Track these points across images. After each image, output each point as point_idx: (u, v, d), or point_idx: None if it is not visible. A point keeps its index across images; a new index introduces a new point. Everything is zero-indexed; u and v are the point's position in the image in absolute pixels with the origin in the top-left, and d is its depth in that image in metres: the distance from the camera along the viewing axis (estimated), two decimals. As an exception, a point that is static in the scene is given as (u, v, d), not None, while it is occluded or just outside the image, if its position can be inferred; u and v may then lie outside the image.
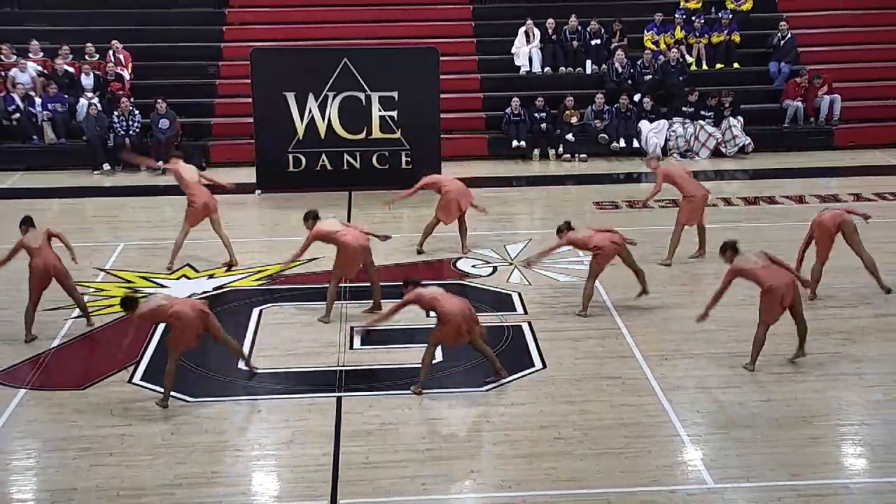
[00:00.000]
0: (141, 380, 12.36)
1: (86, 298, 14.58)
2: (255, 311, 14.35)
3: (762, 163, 23.09)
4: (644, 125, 23.78)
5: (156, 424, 11.27)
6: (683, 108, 23.87)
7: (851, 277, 15.38)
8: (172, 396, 11.79)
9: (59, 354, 13.16)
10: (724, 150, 23.66)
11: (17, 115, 23.34)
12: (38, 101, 23.66)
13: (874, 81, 25.67)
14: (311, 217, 14.18)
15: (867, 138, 24.32)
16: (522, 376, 12.36)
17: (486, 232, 17.96)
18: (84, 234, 17.64)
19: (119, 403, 11.76)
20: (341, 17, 26.78)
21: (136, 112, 23.11)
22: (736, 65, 25.93)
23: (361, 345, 13.27)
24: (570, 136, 23.57)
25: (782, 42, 25.65)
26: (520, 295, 14.95)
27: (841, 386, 12.07)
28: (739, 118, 23.87)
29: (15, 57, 24.45)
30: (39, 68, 24.51)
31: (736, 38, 25.95)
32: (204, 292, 15.16)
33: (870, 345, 13.19)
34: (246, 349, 13.03)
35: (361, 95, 20.83)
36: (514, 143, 23.57)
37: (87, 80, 24.06)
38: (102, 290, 15.35)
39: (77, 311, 14.22)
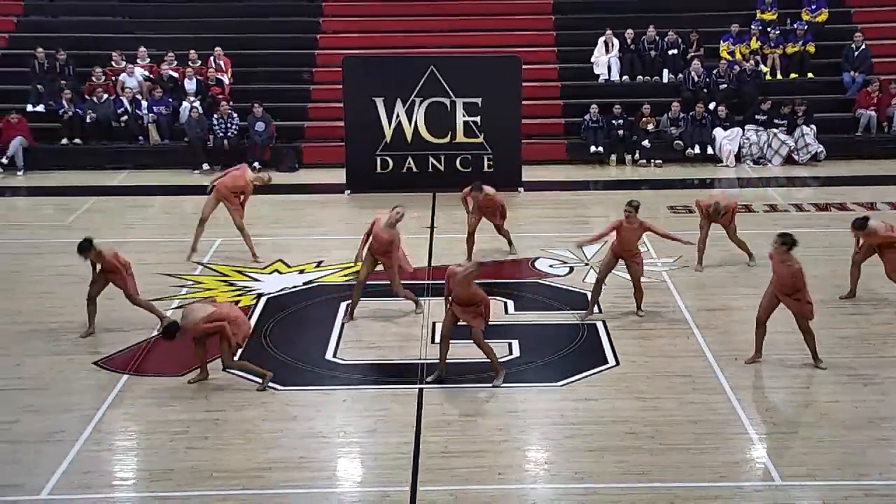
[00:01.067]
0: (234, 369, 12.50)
1: (184, 291, 14.84)
2: (342, 306, 14.44)
3: (834, 170, 22.67)
4: (718, 132, 23.50)
5: (248, 411, 11.40)
6: (757, 117, 23.54)
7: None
8: (267, 386, 11.94)
9: (159, 343, 13.36)
10: (796, 157, 23.28)
11: (125, 117, 23.79)
12: (144, 104, 24.09)
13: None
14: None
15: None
16: (596, 373, 12.29)
17: (563, 233, 17.87)
18: (184, 229, 17.90)
19: (214, 390, 11.92)
20: (428, 26, 26.85)
21: (235, 115, 23.39)
22: (810, 74, 25.49)
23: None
24: (646, 143, 23.39)
25: (856, 52, 25.17)
26: (595, 294, 14.85)
27: (908, 389, 11.82)
28: (812, 126, 23.46)
29: (124, 63, 24.91)
30: (146, 73, 24.94)
31: (811, 48, 25.52)
32: (294, 286, 15.32)
33: (938, 349, 12.89)
34: (333, 341, 13.13)
35: (447, 101, 20.87)
36: (592, 148, 23.43)
37: (189, 85, 24.43)
38: (200, 282, 15.58)
39: (177, 302, 14.47)
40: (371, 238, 13.98)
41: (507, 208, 16.59)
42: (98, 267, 13.57)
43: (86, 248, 13.37)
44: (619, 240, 13.98)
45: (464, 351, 12.68)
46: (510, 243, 16.52)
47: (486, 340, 12.91)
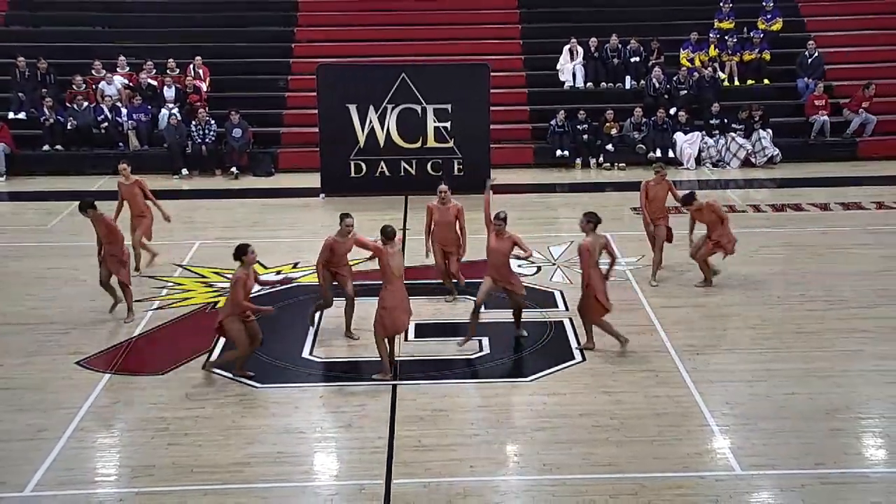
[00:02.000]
0: (214, 367, 12.43)
1: (164, 292, 14.79)
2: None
3: (789, 172, 22.81)
4: (679, 136, 23.62)
5: (227, 408, 11.34)
6: (712, 122, 23.65)
7: (872, 280, 15.19)
8: (242, 383, 11.91)
9: (140, 343, 13.29)
10: (753, 160, 23.42)
11: (105, 124, 23.65)
12: (124, 111, 23.94)
13: (896, 97, 25.31)
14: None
15: (890, 151, 23.91)
16: (563, 368, 12.30)
17: (531, 235, 17.87)
18: (163, 232, 17.78)
19: (194, 388, 11.85)
20: (399, 35, 26.83)
21: (212, 122, 23.30)
22: (766, 81, 25.67)
23: (416, 337, 13.27)
24: (610, 147, 23.46)
25: (810, 59, 25.36)
26: (562, 293, 14.89)
27: (862, 381, 11.89)
28: (769, 130, 23.61)
29: (104, 71, 24.74)
30: (125, 81, 24.79)
31: (766, 55, 25.70)
32: (272, 287, 15.25)
33: (890, 343, 12.97)
34: (309, 339, 13.08)
35: (418, 108, 20.87)
36: (558, 152, 23.49)
37: (168, 93, 24.30)
38: (179, 284, 15.49)
39: (157, 304, 14.39)
40: (433, 227, 14.32)
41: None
42: (97, 236, 13.90)
43: (86, 206, 13.99)
44: (489, 254, 13.01)
45: (439, 347, 12.68)
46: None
47: (460, 338, 12.94)
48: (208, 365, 12.26)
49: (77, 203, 14.36)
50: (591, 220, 12.70)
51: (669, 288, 14.99)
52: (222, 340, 13.10)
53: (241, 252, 11.95)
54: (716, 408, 11.18)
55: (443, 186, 14.65)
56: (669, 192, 15.47)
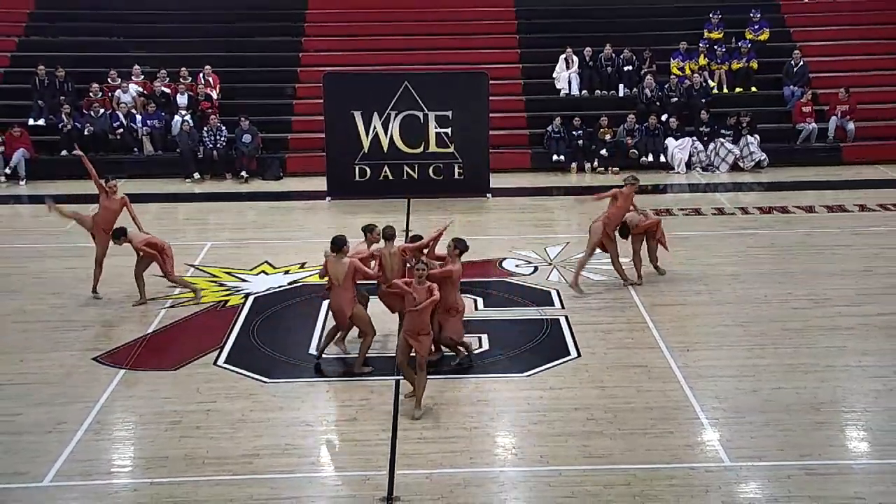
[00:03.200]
0: (224, 363, 12.44)
1: (177, 291, 14.80)
2: (325, 304, 14.37)
3: (776, 176, 22.79)
4: (670, 142, 23.60)
5: (237, 402, 11.34)
6: (701, 129, 23.63)
7: (856, 279, 15.19)
8: (251, 378, 11.90)
9: (154, 339, 13.29)
10: (741, 164, 23.40)
11: (121, 130, 23.64)
12: (138, 118, 23.93)
13: (880, 104, 25.22)
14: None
15: (873, 155, 23.91)
16: (559, 364, 12.29)
17: (528, 235, 17.90)
18: (177, 234, 17.80)
19: (206, 383, 11.84)
20: (403, 45, 26.81)
21: (223, 128, 23.29)
22: (753, 88, 25.64)
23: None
24: (604, 152, 23.45)
25: (795, 68, 25.35)
26: (558, 292, 14.88)
27: (845, 376, 11.88)
28: (756, 136, 23.58)
29: (119, 80, 24.74)
30: (140, 89, 24.78)
31: (754, 64, 25.68)
32: (280, 286, 15.26)
33: (872, 340, 12.96)
34: (315, 337, 13.07)
35: (420, 114, 20.86)
36: (554, 157, 23.48)
37: (181, 100, 24.29)
38: (191, 283, 15.46)
39: (170, 302, 14.40)
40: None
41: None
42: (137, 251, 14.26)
43: (118, 235, 14.30)
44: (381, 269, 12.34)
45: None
46: None
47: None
48: (356, 369, 12.02)
49: (90, 206, 14.35)
50: (458, 247, 11.97)
51: (661, 287, 14.97)
52: (232, 337, 13.12)
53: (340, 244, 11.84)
54: (705, 402, 11.17)
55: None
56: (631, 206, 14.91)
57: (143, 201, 21.05)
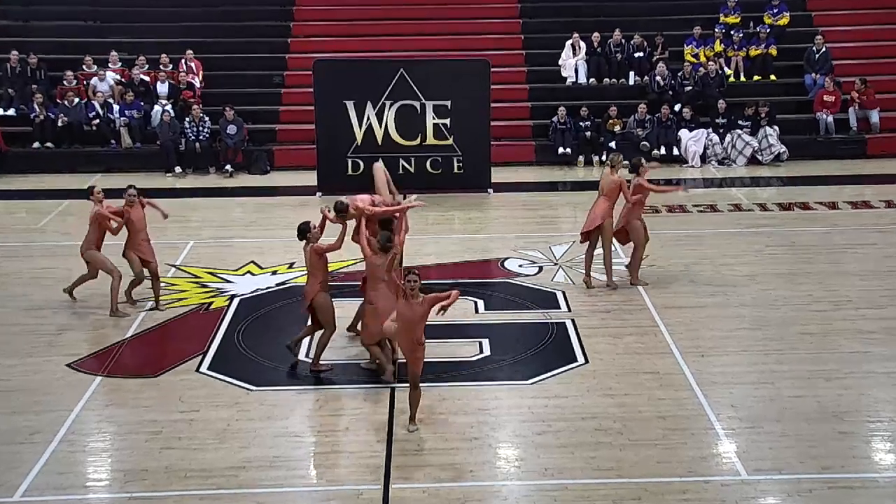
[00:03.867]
0: (208, 369, 12.46)
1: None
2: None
3: (796, 170, 22.83)
4: (683, 134, 23.63)
5: (222, 410, 11.35)
6: (717, 120, 23.65)
7: (880, 280, 15.22)
8: (236, 385, 11.93)
9: (133, 344, 13.30)
10: (760, 157, 23.44)
11: (97, 120, 23.66)
12: (115, 107, 23.95)
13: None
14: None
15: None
16: (565, 370, 12.31)
17: (532, 234, 17.92)
18: (157, 232, 17.75)
19: (188, 391, 11.86)
20: (398, 30, 26.85)
21: (206, 119, 23.31)
22: (772, 77, 25.68)
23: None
24: (613, 144, 23.47)
25: (817, 55, 25.38)
26: (563, 293, 14.90)
27: (869, 383, 11.91)
28: (775, 127, 23.62)
29: (95, 67, 24.75)
30: (118, 77, 24.79)
31: (773, 51, 25.72)
32: (267, 287, 15.29)
33: (898, 345, 13.01)
34: (305, 342, 13.08)
35: (416, 104, 20.88)
36: (560, 150, 23.50)
37: (161, 88, 24.32)
38: (173, 284, 15.50)
39: (151, 304, 14.42)
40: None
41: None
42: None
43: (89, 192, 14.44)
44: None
45: (437, 350, 12.67)
46: None
47: (459, 339, 12.94)
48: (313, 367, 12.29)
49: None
50: (388, 242, 11.94)
51: (674, 289, 15.00)
52: (216, 343, 13.16)
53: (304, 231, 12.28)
54: (721, 410, 11.20)
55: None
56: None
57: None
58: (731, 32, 25.90)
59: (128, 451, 10.55)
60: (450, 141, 21.00)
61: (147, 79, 24.63)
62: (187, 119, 23.29)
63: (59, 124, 23.42)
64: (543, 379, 12.08)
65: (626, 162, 15.28)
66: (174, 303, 14.63)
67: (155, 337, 13.59)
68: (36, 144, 23.47)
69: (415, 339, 10.68)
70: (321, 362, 12.31)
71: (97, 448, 10.72)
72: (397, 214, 12.73)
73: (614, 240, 15.13)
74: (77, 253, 14.62)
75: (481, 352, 12.85)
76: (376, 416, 11.21)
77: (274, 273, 15.96)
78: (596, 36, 25.64)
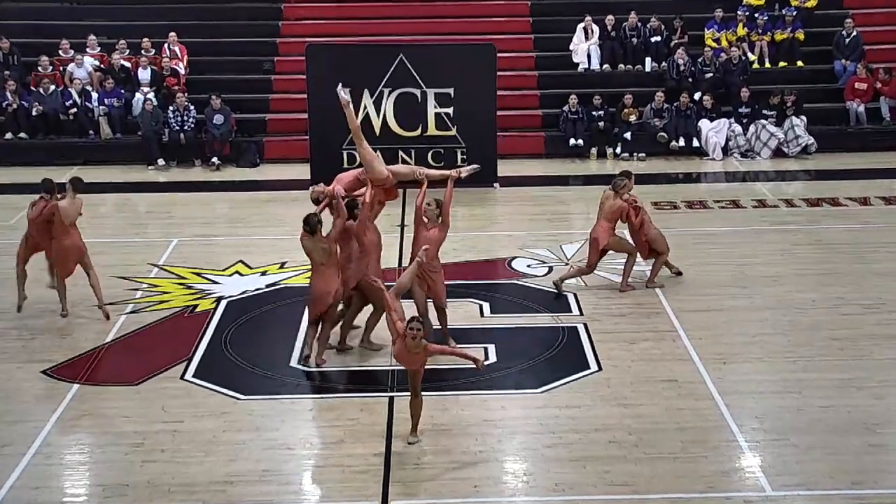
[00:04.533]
0: (193, 377, 12.47)
1: (138, 294, 14.83)
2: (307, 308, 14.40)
3: (825, 163, 22.78)
4: (704, 124, 23.59)
5: (207, 421, 11.36)
6: (740, 110, 23.63)
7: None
8: (223, 394, 11.95)
9: (112, 350, 13.31)
10: (786, 150, 23.42)
11: (74, 109, 23.65)
12: (94, 96, 23.94)
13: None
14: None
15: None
16: (577, 378, 12.31)
17: (541, 231, 17.91)
18: (138, 229, 17.85)
19: (172, 400, 11.87)
20: (397, 13, 26.83)
21: (191, 107, 23.29)
22: (799, 63, 25.64)
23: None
24: (628, 135, 23.45)
25: (847, 40, 25.35)
26: (575, 296, 14.89)
27: (904, 393, 11.93)
28: (802, 118, 23.58)
29: (72, 52, 24.75)
30: (96, 63, 24.79)
31: (800, 35, 25.67)
32: (256, 289, 15.29)
33: (935, 351, 13.00)
34: (297, 348, 13.09)
35: (417, 92, 20.88)
36: (572, 141, 23.48)
37: (143, 75, 24.30)
38: (156, 286, 15.51)
39: (131, 307, 14.43)
40: None
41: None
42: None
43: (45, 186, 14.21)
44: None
45: (440, 356, 12.64)
46: None
47: (464, 346, 12.93)
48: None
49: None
50: (306, 223, 12.68)
51: (693, 290, 14.99)
52: (201, 348, 13.17)
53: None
54: (744, 421, 11.20)
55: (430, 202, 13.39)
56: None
57: (99, 191, 21.13)
58: (755, 15, 25.85)
59: (107, 465, 10.56)
60: (453, 132, 21.00)
61: (128, 65, 24.63)
62: (171, 108, 23.28)
63: (34, 113, 23.40)
64: (553, 387, 12.08)
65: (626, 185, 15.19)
66: (157, 305, 14.63)
67: (136, 342, 13.58)
68: (8, 135, 23.46)
69: (412, 373, 10.81)
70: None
71: (74, 461, 10.74)
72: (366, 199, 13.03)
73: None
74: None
75: (487, 358, 12.82)
76: (374, 426, 11.21)
77: (264, 274, 15.96)
78: (610, 19, 25.61)
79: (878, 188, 20.57)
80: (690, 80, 24.59)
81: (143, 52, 24.76)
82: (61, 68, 24.51)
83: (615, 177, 15.32)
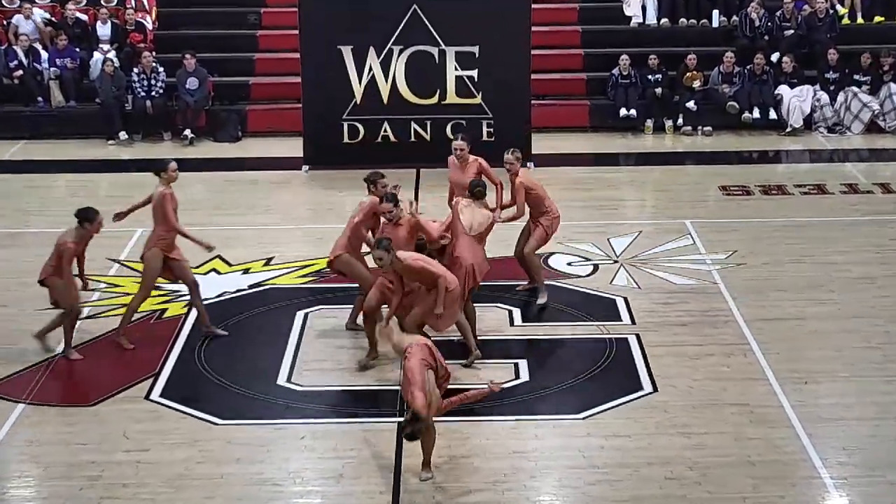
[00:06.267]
0: (161, 396, 12.52)
1: (95, 296, 14.89)
2: (300, 315, 14.44)
3: (931, 140, 22.82)
4: (783, 91, 23.56)
5: (178, 450, 11.40)
6: (827, 75, 23.57)
7: None
8: (196, 418, 11.99)
9: (64, 363, 13.36)
10: (881, 123, 23.38)
11: (20, 72, 23.75)
12: (44, 55, 24.05)
13: None
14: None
15: None
16: (627, 401, 12.32)
17: (586, 222, 17.92)
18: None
19: (135, 424, 11.91)
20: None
21: (161, 69, 23.37)
22: (900, 17, 25.67)
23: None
24: (691, 104, 23.45)
25: (960, -11, 25.33)
26: (626, 300, 14.91)
27: None
28: (903, 84, 23.60)
29: (18, 2, 24.84)
30: (47, 16, 24.89)
31: (901, -17, 25.67)
32: (237, 290, 15.33)
33: None
34: (287, 362, 13.12)
35: (434, 51, 20.89)
36: (623, 111, 23.49)
37: (102, 30, 24.37)
38: (116, 285, 15.57)
39: (87, 311, 14.47)
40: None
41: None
42: None
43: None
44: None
45: (460, 374, 12.69)
46: None
47: (487, 361, 12.96)
48: None
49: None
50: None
51: (768, 295, 14.98)
52: (170, 363, 13.22)
53: None
54: (829, 454, 11.19)
55: (458, 143, 14.99)
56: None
57: (48, 171, 21.26)
58: (847, -41, 25.87)
59: (59, 501, 10.61)
60: (477, 99, 21.01)
61: (84, 18, 24.73)
62: (135, 70, 23.35)
63: (-29, 76, 23.60)
64: (598, 412, 12.09)
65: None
66: (118, 309, 14.69)
67: (93, 354, 13.63)
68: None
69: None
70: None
71: (19, 496, 10.80)
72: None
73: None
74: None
75: (517, 377, 12.87)
76: (379, 459, 11.24)
77: (246, 272, 16.01)
78: (670, -38, 25.66)
79: None
80: (767, 37, 24.57)
81: (102, 2, 24.84)
82: (5, 22, 24.63)
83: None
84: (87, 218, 13.36)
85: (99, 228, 13.46)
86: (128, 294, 15.10)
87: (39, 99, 23.80)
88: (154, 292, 15.20)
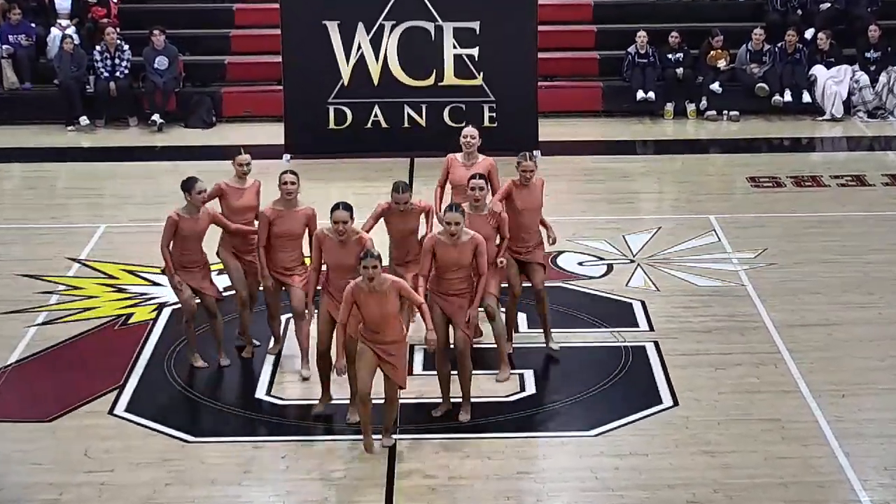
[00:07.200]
0: (126, 411, 12.52)
1: (53, 299, 14.89)
2: (282, 319, 14.45)
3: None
4: (819, 72, 23.57)
5: (145, 471, 11.39)
6: (867, 54, 23.60)
7: None
8: (166, 434, 11.99)
9: (17, 374, 13.38)
10: (927, 107, 23.47)
11: (-33, 50, 23.81)
12: (-6, 31, 24.10)
13: None
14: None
15: None
16: (644, 416, 12.34)
17: (598, 217, 17.93)
18: (53, 211, 17.89)
19: (98, 442, 11.91)
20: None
21: (126, 47, 23.37)
22: (950, -12, 25.69)
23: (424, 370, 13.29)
24: (715, 86, 23.47)
25: None
26: (643, 304, 14.93)
27: None
28: (952, 64, 23.65)
29: (-36, -30, 24.90)
30: (-3, -14, 24.94)
31: (951, -49, 25.70)
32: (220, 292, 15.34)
33: None
34: (266, 373, 13.13)
35: (430, 26, 20.89)
36: (640, 94, 23.51)
37: (61, 4, 24.37)
38: (76, 287, 15.57)
39: (43, 316, 14.49)
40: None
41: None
42: None
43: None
44: None
45: (456, 386, 12.70)
46: None
47: (486, 371, 12.99)
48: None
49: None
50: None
51: (802, 298, 14.99)
52: (136, 375, 13.23)
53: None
54: (868, 475, 11.21)
55: (469, 130, 14.76)
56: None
57: (0, 160, 21.22)
58: (890, -77, 25.89)
59: (11, 529, 10.66)
60: (478, 81, 21.02)
61: (41, -12, 24.77)
62: (98, 48, 23.35)
63: (-87, 55, 23.62)
64: (612, 429, 12.11)
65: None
66: (78, 314, 14.70)
67: (50, 364, 13.64)
68: None
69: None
70: None
71: (-33, 524, 10.83)
72: None
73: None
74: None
75: (523, 389, 12.89)
76: (370, 480, 11.25)
77: (220, 272, 15.99)
78: (692, -73, 25.73)
79: None
80: (800, 11, 24.60)
81: (61, -29, 24.88)
82: (-50, -6, 24.65)
83: None
84: (185, 188, 13.83)
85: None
86: (90, 297, 15.11)
87: (-10, 80, 23.86)
88: (117, 295, 15.27)
